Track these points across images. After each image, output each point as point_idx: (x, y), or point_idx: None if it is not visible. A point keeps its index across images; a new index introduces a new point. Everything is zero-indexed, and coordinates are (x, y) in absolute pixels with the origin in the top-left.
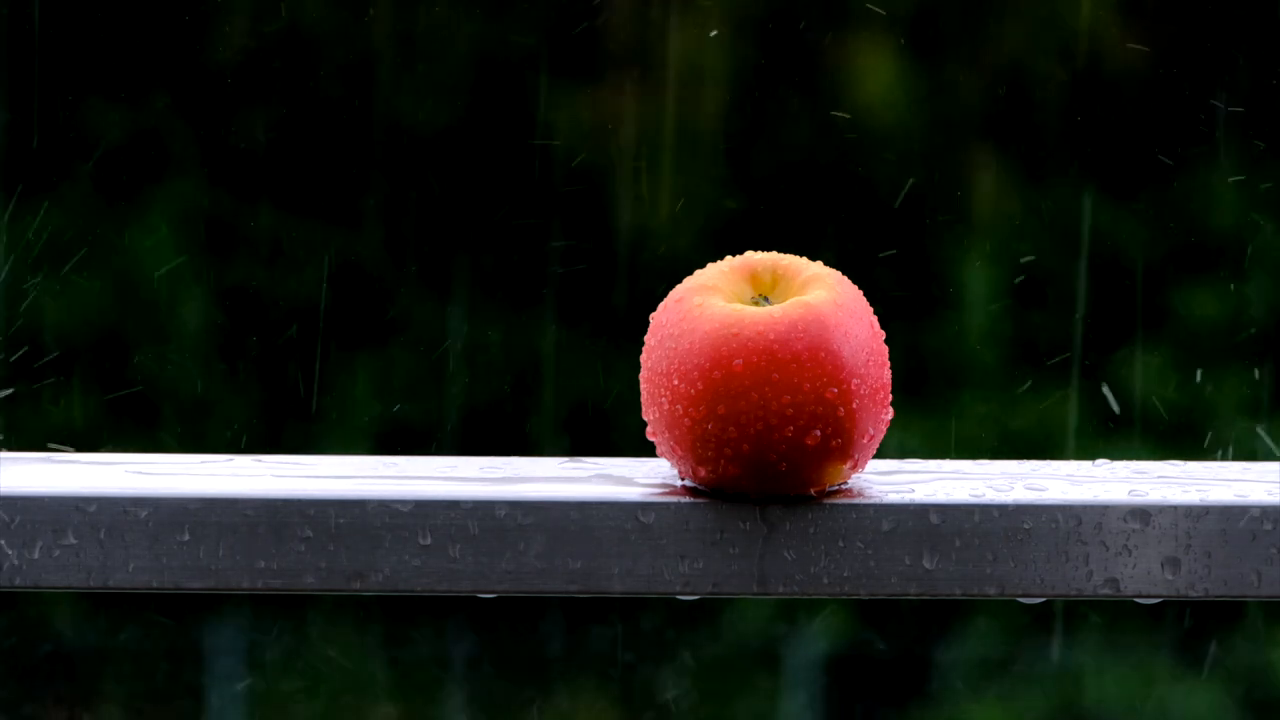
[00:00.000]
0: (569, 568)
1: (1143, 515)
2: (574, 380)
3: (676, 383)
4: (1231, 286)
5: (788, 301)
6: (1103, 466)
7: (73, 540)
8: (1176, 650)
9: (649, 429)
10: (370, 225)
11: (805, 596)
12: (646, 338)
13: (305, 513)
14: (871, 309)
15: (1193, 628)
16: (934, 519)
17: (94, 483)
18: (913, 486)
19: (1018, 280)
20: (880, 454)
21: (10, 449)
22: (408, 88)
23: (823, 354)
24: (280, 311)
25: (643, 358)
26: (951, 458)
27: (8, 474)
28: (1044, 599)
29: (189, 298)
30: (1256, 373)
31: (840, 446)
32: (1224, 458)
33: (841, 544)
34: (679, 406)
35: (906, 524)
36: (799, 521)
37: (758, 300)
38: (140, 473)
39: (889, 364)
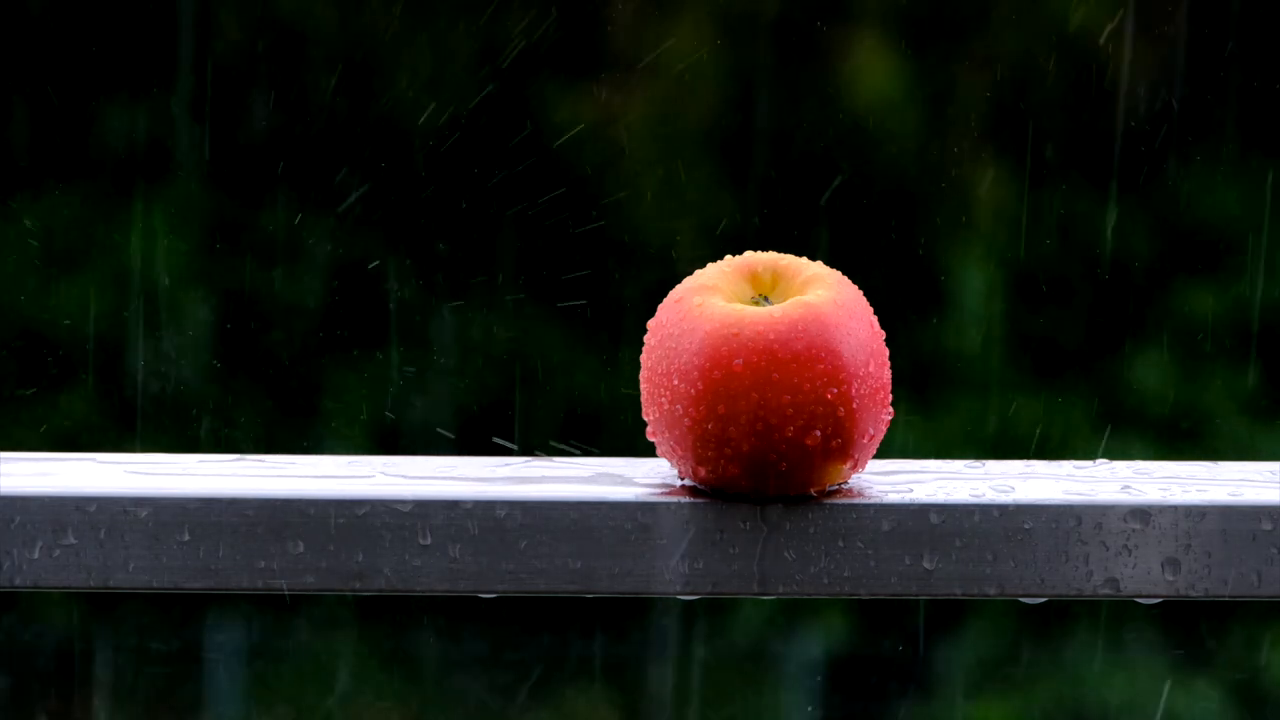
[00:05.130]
0: (569, 568)
1: (1143, 515)
2: (574, 380)
3: (676, 383)
4: (1231, 285)
5: (788, 301)
6: (1103, 466)
7: (73, 540)
8: (1176, 650)
9: (649, 429)
10: (370, 224)
11: (805, 596)
12: (646, 338)
13: (305, 513)
14: (871, 309)
15: (1193, 628)
16: (934, 519)
17: (94, 483)
18: (912, 486)
19: (1017, 279)
20: (880, 454)
21: (10, 449)
22: (408, 86)
23: (823, 354)
24: (280, 311)
25: (643, 358)
26: (952, 458)
27: (8, 474)
28: (1044, 599)
29: (189, 297)
30: (1256, 372)
31: (840, 446)
32: (1224, 458)
33: (841, 544)
34: (679, 406)
35: (906, 524)
36: (799, 521)
37: (758, 300)
38: (140, 473)
39: (889, 364)
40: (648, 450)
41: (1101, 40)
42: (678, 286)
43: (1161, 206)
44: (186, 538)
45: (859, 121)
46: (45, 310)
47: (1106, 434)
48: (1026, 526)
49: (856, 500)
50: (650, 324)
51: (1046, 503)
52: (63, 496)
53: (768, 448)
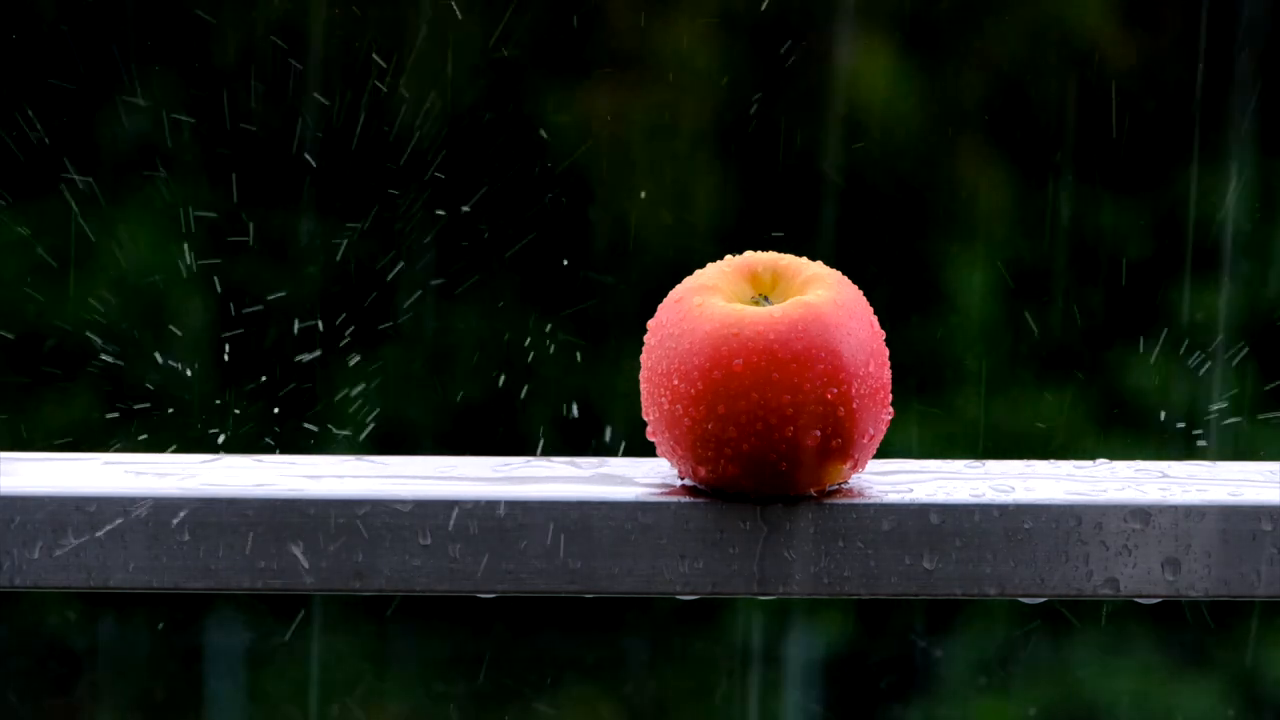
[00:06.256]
0: (569, 568)
1: (1143, 515)
2: (573, 380)
3: (676, 382)
4: (1231, 285)
5: (788, 301)
6: (1103, 466)
7: (73, 540)
8: (1176, 650)
9: (649, 429)
10: (369, 224)
11: (805, 596)
12: (646, 338)
13: (305, 513)
14: (871, 309)
15: (1193, 628)
16: (934, 519)
17: (94, 483)
18: (912, 486)
19: (1017, 279)
20: (880, 454)
21: (10, 449)
22: (405, 86)
23: (823, 354)
24: (279, 311)
25: (643, 358)
26: (951, 457)
27: (8, 474)
28: (1044, 599)
29: (189, 298)
30: (1256, 372)
31: (840, 446)
32: (1224, 458)
33: (841, 544)
34: (679, 406)
35: (906, 524)
36: (799, 521)
37: (758, 300)
38: (140, 473)
39: (889, 364)
40: (647, 450)
41: (1101, 39)
42: (678, 286)
43: (1162, 205)
44: (186, 538)
45: (859, 121)
46: (45, 310)
47: (1106, 434)
48: (1026, 526)
49: (856, 500)
50: (650, 324)
51: (1046, 503)
52: (63, 496)
53: (768, 448)
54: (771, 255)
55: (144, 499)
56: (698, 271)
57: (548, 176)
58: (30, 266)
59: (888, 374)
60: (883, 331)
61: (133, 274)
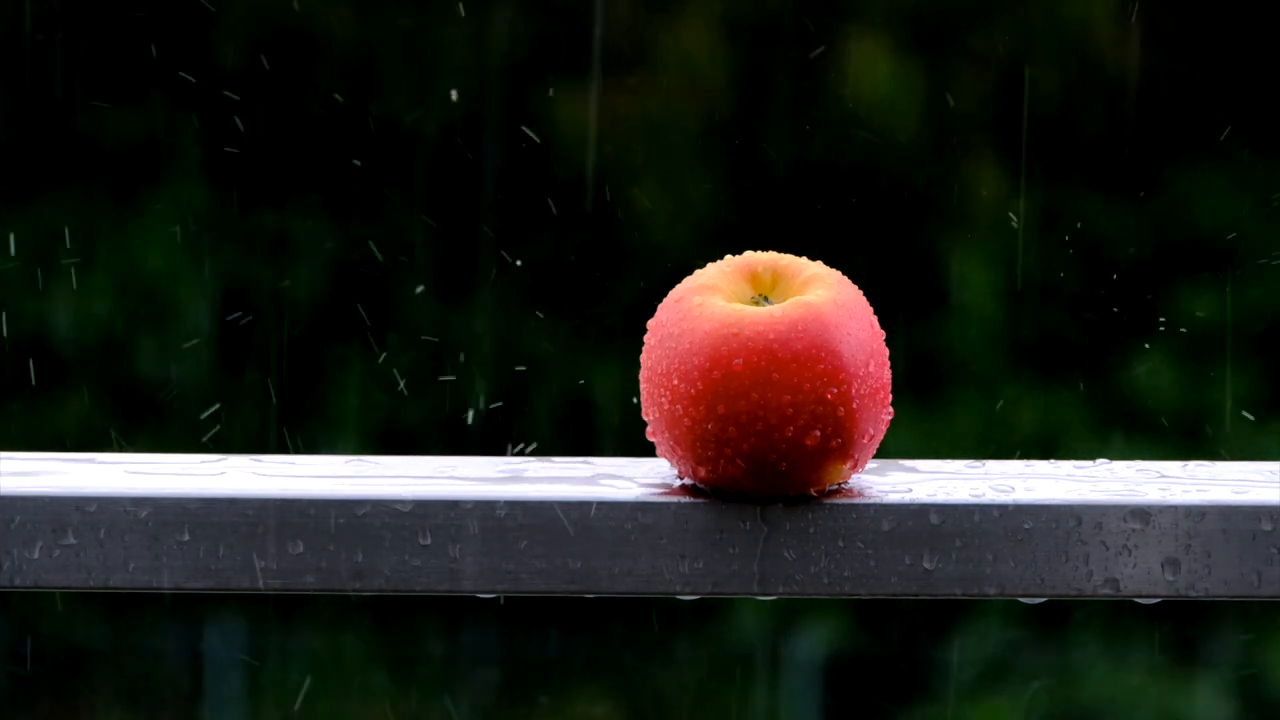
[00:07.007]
0: (569, 568)
1: (1143, 515)
2: (573, 380)
3: (676, 382)
4: (1231, 286)
5: (788, 301)
6: (1103, 466)
7: (73, 540)
8: (1176, 650)
9: (649, 429)
10: (369, 224)
11: (805, 596)
12: (646, 338)
13: (305, 513)
14: (871, 309)
15: (1193, 628)
16: (934, 519)
17: (94, 483)
18: (912, 486)
19: (1017, 280)
20: (880, 454)
21: (11, 449)
22: (406, 86)
23: (823, 354)
24: (280, 311)
25: (643, 358)
26: (951, 458)
27: (8, 474)
28: (1044, 599)
29: (189, 297)
30: (1256, 372)
31: (840, 446)
32: (1224, 458)
33: (841, 544)
34: (679, 406)
35: (906, 524)
36: (799, 521)
37: (758, 300)
38: (140, 473)
39: (889, 364)
40: (646, 450)
41: (1101, 40)
42: (678, 286)
43: (1162, 206)
44: (186, 538)
45: (859, 121)
46: (46, 310)
47: (1107, 434)
48: (1026, 526)
49: (856, 500)
50: (650, 324)
51: (1046, 503)
52: (63, 496)
53: (768, 448)
54: (771, 255)
55: (144, 499)
56: (697, 271)
57: (549, 177)
58: (31, 266)
59: (888, 374)
60: (883, 331)
61: (133, 273)
